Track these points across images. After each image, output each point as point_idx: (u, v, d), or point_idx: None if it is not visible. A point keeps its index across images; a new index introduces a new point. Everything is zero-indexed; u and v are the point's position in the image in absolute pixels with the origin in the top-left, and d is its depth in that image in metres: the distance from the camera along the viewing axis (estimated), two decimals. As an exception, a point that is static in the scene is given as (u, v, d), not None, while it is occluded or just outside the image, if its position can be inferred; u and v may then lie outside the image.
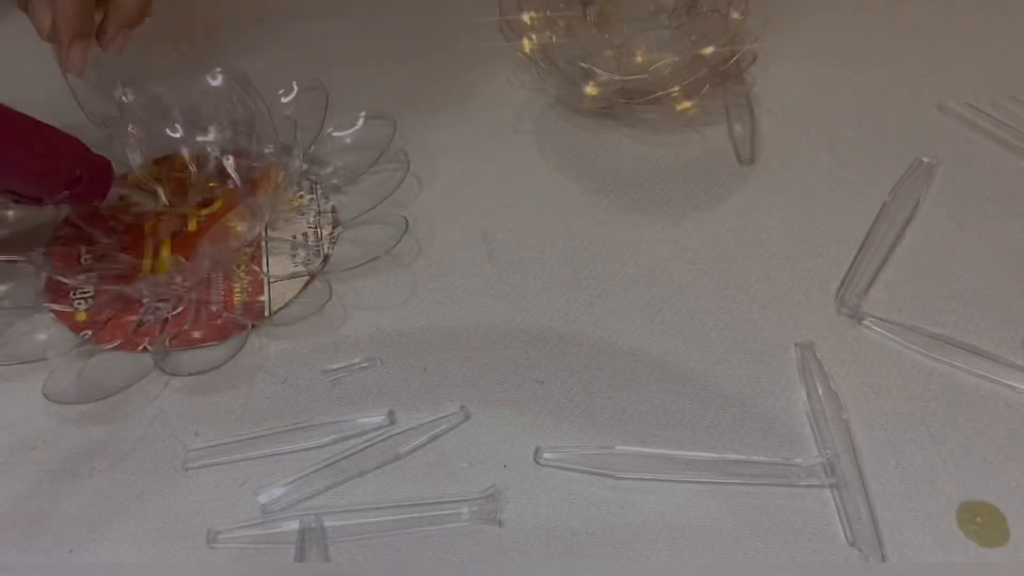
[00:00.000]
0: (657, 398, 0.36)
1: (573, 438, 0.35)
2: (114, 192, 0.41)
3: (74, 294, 0.40)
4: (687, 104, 0.46)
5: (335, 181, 0.45)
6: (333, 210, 0.44)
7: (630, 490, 0.34)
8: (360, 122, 0.46)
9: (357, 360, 0.38)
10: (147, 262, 0.42)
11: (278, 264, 0.41)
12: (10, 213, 0.42)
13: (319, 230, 0.43)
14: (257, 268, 0.41)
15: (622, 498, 0.33)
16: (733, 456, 0.34)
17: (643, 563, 0.32)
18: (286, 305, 0.40)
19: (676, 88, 0.45)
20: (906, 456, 0.34)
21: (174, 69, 0.47)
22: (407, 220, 0.42)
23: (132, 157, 0.45)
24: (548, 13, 0.47)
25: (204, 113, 0.45)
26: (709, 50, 0.44)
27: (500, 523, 0.33)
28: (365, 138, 0.46)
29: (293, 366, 0.38)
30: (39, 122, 0.36)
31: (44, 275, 0.41)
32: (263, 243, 0.42)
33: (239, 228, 0.42)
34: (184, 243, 0.42)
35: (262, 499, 0.34)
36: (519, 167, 0.46)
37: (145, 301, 0.40)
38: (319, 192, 0.44)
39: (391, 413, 0.36)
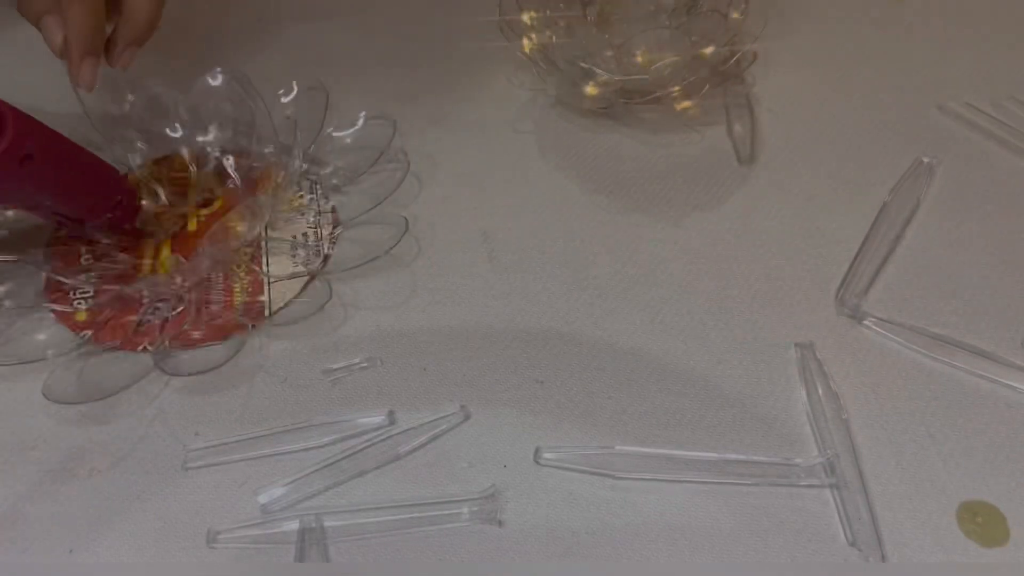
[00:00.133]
0: (657, 398, 0.36)
1: (573, 438, 0.35)
2: None
3: (74, 294, 0.40)
4: (687, 104, 0.46)
5: (335, 181, 0.45)
6: (333, 210, 0.44)
7: (630, 490, 0.34)
8: (360, 122, 0.46)
9: (357, 360, 0.38)
10: (147, 262, 0.42)
11: (278, 264, 0.41)
12: (10, 213, 0.42)
13: (319, 230, 0.43)
14: (257, 268, 0.41)
15: (622, 498, 0.33)
16: (733, 456, 0.34)
17: (643, 563, 0.32)
18: (286, 305, 0.40)
19: (676, 88, 0.45)
20: (906, 456, 0.34)
21: (174, 69, 0.47)
22: (407, 220, 0.42)
23: (132, 157, 0.45)
24: (548, 13, 0.47)
25: (204, 113, 0.45)
26: (709, 50, 0.44)
27: (500, 523, 0.33)
28: (365, 138, 0.46)
29: (293, 366, 0.38)
30: (86, 150, 0.38)
31: (44, 275, 0.41)
32: (263, 243, 0.42)
33: (239, 228, 0.42)
34: (184, 243, 0.42)
35: (262, 499, 0.34)
36: (519, 167, 0.46)
37: (145, 301, 0.40)
38: (319, 192, 0.44)
39: (391, 413, 0.36)
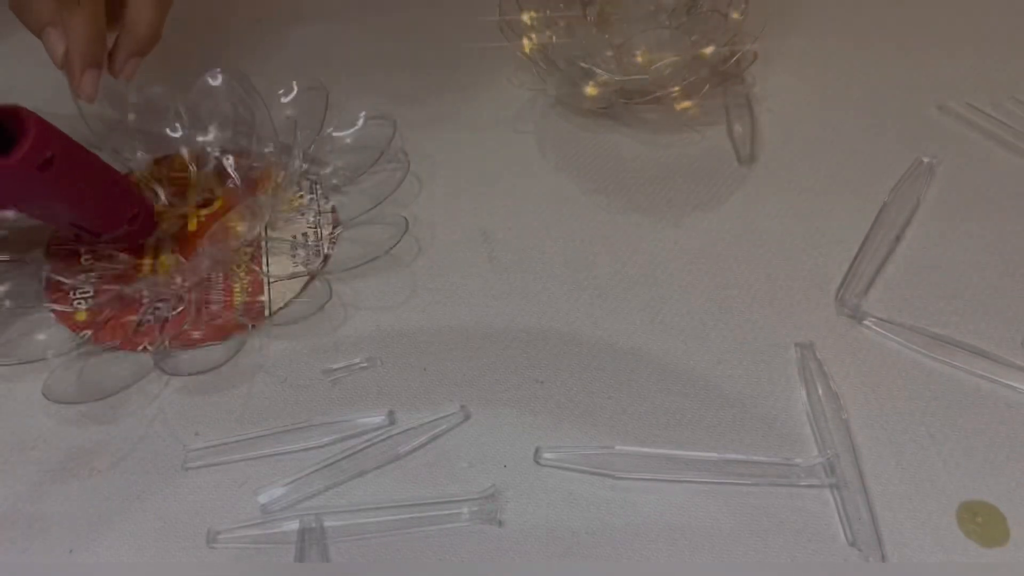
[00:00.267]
0: (657, 398, 0.36)
1: (573, 438, 0.35)
2: None
3: (74, 294, 0.40)
4: (687, 104, 0.46)
5: (335, 181, 0.45)
6: (333, 210, 0.44)
7: (630, 490, 0.34)
8: (360, 122, 0.46)
9: (357, 360, 0.38)
10: (147, 262, 0.42)
11: (278, 264, 0.41)
12: (10, 214, 0.42)
13: (319, 230, 0.43)
14: (257, 268, 0.41)
15: (622, 498, 0.33)
16: (733, 456, 0.34)
17: (643, 563, 0.32)
18: (286, 305, 0.40)
19: (676, 88, 0.45)
20: (906, 456, 0.34)
21: (174, 69, 0.47)
22: (407, 220, 0.42)
23: (132, 157, 0.45)
24: (548, 13, 0.47)
25: (204, 113, 0.45)
26: (709, 50, 0.44)
27: (500, 523, 0.33)
28: (365, 138, 0.46)
29: (293, 366, 0.38)
30: (104, 161, 0.38)
31: (44, 275, 0.41)
32: (263, 243, 0.42)
33: (239, 228, 0.42)
34: (184, 243, 0.42)
35: (262, 499, 0.34)
36: (519, 167, 0.46)
37: (145, 301, 0.40)
38: (319, 192, 0.44)
39: (391, 413, 0.36)
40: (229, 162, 0.44)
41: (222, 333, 0.39)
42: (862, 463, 0.34)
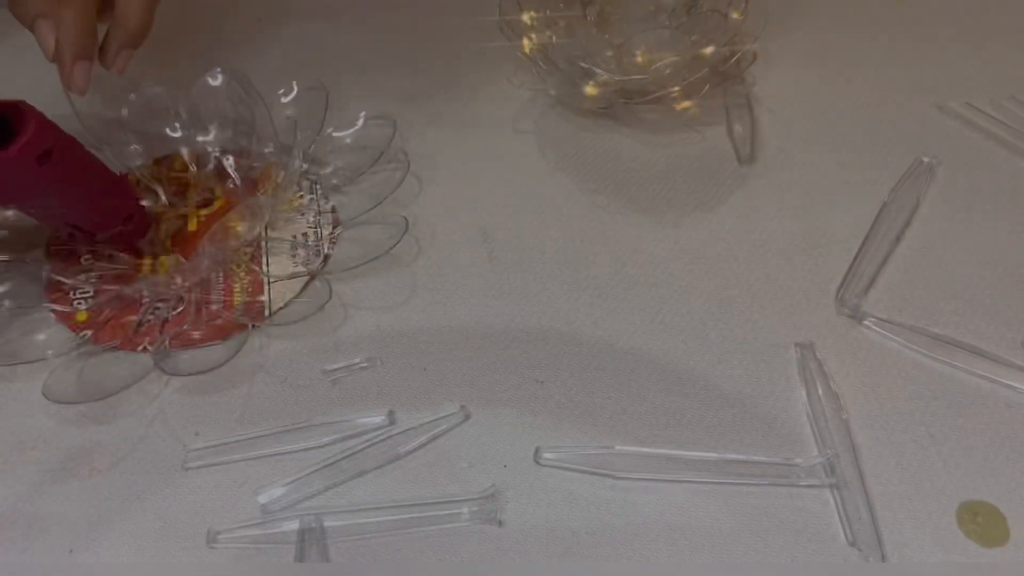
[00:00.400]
0: (657, 398, 0.36)
1: (573, 438, 0.35)
2: None
3: (74, 294, 0.40)
4: (687, 104, 0.46)
5: (335, 181, 0.45)
6: (333, 210, 0.44)
7: (630, 490, 0.34)
8: (360, 122, 0.46)
9: (357, 360, 0.38)
10: (147, 262, 0.42)
11: (278, 264, 0.41)
12: (10, 213, 0.42)
13: (319, 230, 0.43)
14: (257, 268, 0.41)
15: (622, 498, 0.33)
16: (733, 456, 0.34)
17: (643, 563, 0.32)
18: (286, 305, 0.40)
19: (676, 88, 0.45)
20: (906, 456, 0.34)
21: (174, 69, 0.47)
22: (407, 220, 0.42)
23: (131, 157, 0.45)
24: (548, 13, 0.47)
25: (204, 113, 0.45)
26: (709, 50, 0.44)
27: (500, 523, 0.33)
28: (365, 138, 0.46)
29: (293, 366, 0.38)
30: (100, 161, 0.38)
31: (44, 275, 0.41)
32: (263, 243, 0.42)
33: (239, 228, 0.42)
34: (184, 243, 0.42)
35: (262, 499, 0.34)
36: (519, 167, 0.46)
37: (145, 301, 0.40)
38: (319, 192, 0.44)
39: (391, 413, 0.36)
40: (229, 162, 0.44)
41: (222, 333, 0.39)
42: (862, 463, 0.34)
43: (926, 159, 0.45)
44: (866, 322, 0.38)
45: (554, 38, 0.46)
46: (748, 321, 0.39)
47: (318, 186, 0.45)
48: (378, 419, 0.36)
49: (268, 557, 0.33)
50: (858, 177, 0.44)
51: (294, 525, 0.33)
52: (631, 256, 0.42)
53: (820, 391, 0.36)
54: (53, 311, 0.39)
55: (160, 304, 0.40)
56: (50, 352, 0.38)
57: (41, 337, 0.39)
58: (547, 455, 0.35)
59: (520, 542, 0.33)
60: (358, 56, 0.52)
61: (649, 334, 0.38)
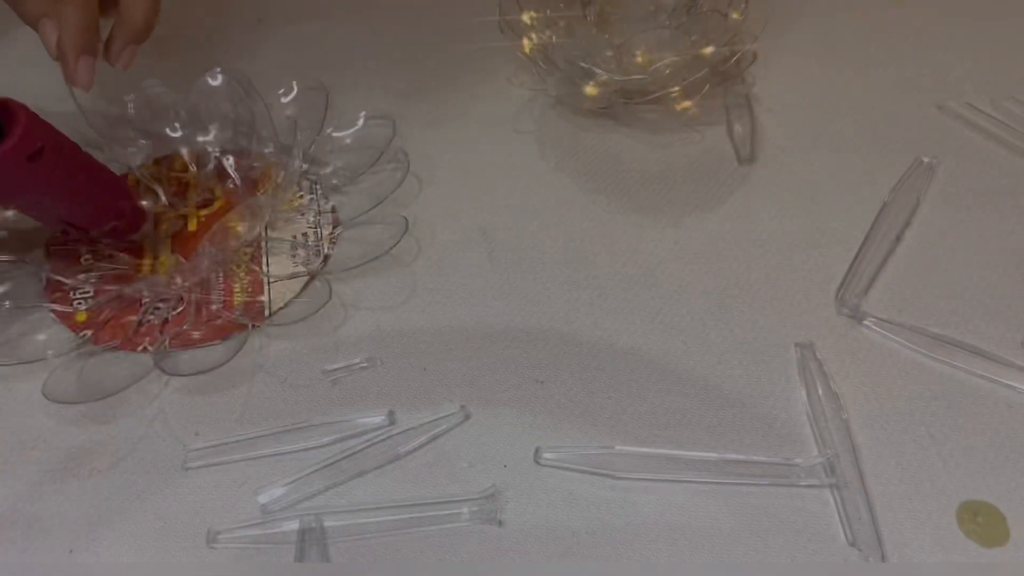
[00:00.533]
0: (657, 398, 0.36)
1: (573, 438, 0.35)
2: None
3: (74, 294, 0.40)
4: (687, 104, 0.46)
5: (335, 181, 0.45)
6: (333, 210, 0.44)
7: (630, 490, 0.34)
8: (360, 122, 0.46)
9: (357, 360, 0.38)
10: (147, 262, 0.42)
11: (278, 264, 0.41)
12: (10, 213, 0.42)
13: (319, 230, 0.43)
14: (257, 268, 0.41)
15: (622, 498, 0.33)
16: (733, 456, 0.34)
17: (643, 563, 0.32)
18: (286, 305, 0.40)
19: (676, 88, 0.45)
20: (906, 456, 0.34)
21: (174, 69, 0.47)
22: (407, 220, 0.42)
23: (132, 157, 0.45)
24: (548, 13, 0.47)
25: (204, 113, 0.45)
26: (709, 50, 0.44)
27: (500, 523, 0.33)
28: (365, 138, 0.46)
29: (293, 366, 0.38)
30: (92, 157, 0.38)
31: (44, 275, 0.41)
32: (263, 243, 0.42)
33: (239, 228, 0.42)
34: (184, 243, 0.42)
35: (262, 499, 0.34)
36: (519, 167, 0.46)
37: (145, 301, 0.40)
38: (319, 192, 0.44)
39: (391, 413, 0.36)
40: (229, 162, 0.44)
41: (222, 333, 0.39)
42: (862, 463, 0.34)
43: (926, 159, 0.45)
44: (866, 322, 0.38)
45: (554, 38, 0.46)
46: (748, 321, 0.39)
47: (318, 186, 0.45)
48: (378, 419, 0.36)
49: (268, 557, 0.33)
50: (858, 177, 0.44)
51: (294, 525, 0.33)
52: (631, 256, 0.42)
53: (820, 391, 0.36)
54: (53, 311, 0.39)
55: (160, 304, 0.40)
56: (50, 352, 0.38)
57: (41, 337, 0.39)
58: (547, 455, 0.35)
59: (520, 542, 0.33)
60: (358, 56, 0.52)
61: (649, 334, 0.38)
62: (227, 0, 0.56)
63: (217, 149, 0.45)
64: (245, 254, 0.42)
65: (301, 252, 0.42)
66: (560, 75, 0.46)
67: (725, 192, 0.44)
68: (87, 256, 0.42)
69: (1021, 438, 0.34)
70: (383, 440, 0.35)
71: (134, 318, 0.39)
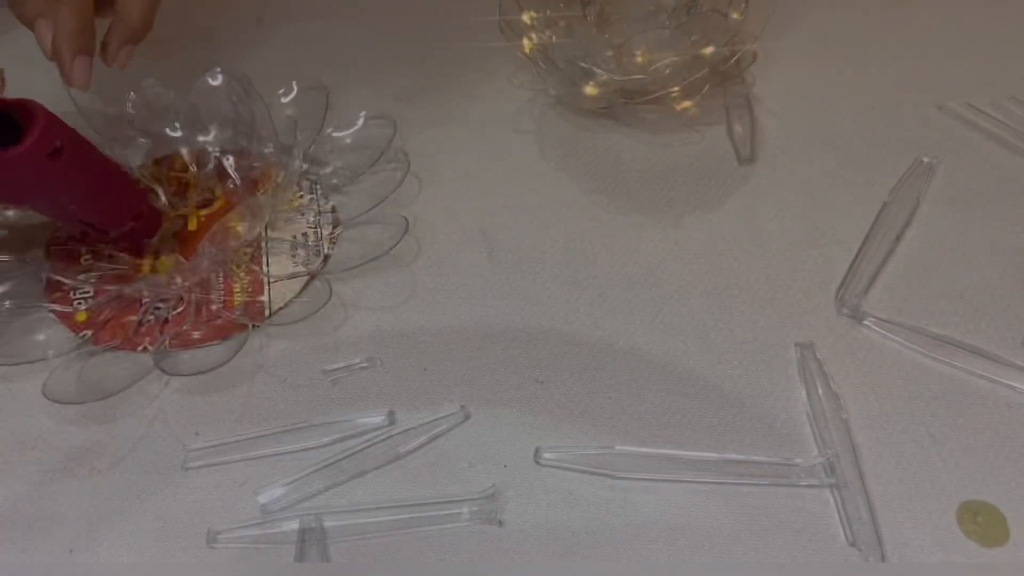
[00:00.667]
0: (657, 398, 0.36)
1: (573, 438, 0.35)
2: None
3: (74, 294, 0.40)
4: (687, 104, 0.46)
5: (335, 181, 0.45)
6: (333, 210, 0.44)
7: (630, 490, 0.34)
8: (360, 122, 0.46)
9: (357, 360, 0.38)
10: (147, 262, 0.42)
11: (278, 264, 0.41)
12: (10, 213, 0.42)
13: (319, 230, 0.43)
14: (257, 268, 0.41)
15: (622, 498, 0.33)
16: (733, 456, 0.34)
17: (643, 563, 0.32)
18: (286, 305, 0.40)
19: (676, 88, 0.45)
20: (906, 456, 0.34)
21: (174, 69, 0.47)
22: (407, 220, 0.42)
23: (132, 157, 0.45)
24: (548, 13, 0.47)
25: (204, 113, 0.45)
26: (709, 50, 0.44)
27: (500, 523, 0.33)
28: (365, 138, 0.46)
29: (293, 366, 0.38)
30: (114, 161, 0.39)
31: (44, 275, 0.41)
32: (263, 243, 0.42)
33: (239, 228, 0.42)
34: (184, 243, 0.42)
35: (262, 499, 0.34)
36: (519, 167, 0.46)
37: (145, 301, 0.40)
38: (319, 192, 0.44)
39: (391, 413, 0.36)
40: (229, 162, 0.44)
41: (222, 333, 0.39)
42: (862, 463, 0.34)
43: (926, 159, 0.45)
44: (866, 322, 0.38)
45: (554, 38, 0.46)
46: (748, 321, 0.39)
47: (318, 186, 0.45)
48: (378, 419, 0.36)
49: (268, 557, 0.33)
50: (858, 177, 0.44)
51: (294, 525, 0.33)
52: (631, 256, 0.42)
53: (820, 391, 0.36)
54: (53, 311, 0.39)
55: (160, 304, 0.40)
56: (50, 352, 0.38)
57: (41, 337, 0.39)
58: (547, 455, 0.35)
59: (520, 542, 0.33)
60: (358, 56, 0.52)
61: (649, 334, 0.38)
62: (227, 0, 0.56)
63: (217, 149, 0.45)
64: (245, 254, 0.42)
65: (301, 252, 0.42)
66: (560, 75, 0.47)
67: (725, 192, 0.44)
68: (87, 256, 0.42)
69: (1021, 438, 0.34)
70: (383, 440, 0.35)
71: (134, 318, 0.39)
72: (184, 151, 0.45)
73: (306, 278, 0.41)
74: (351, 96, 0.48)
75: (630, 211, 0.43)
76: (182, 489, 0.34)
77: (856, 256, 0.41)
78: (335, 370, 0.38)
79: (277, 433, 0.36)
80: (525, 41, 0.46)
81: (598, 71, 0.44)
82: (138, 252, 0.42)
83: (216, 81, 0.45)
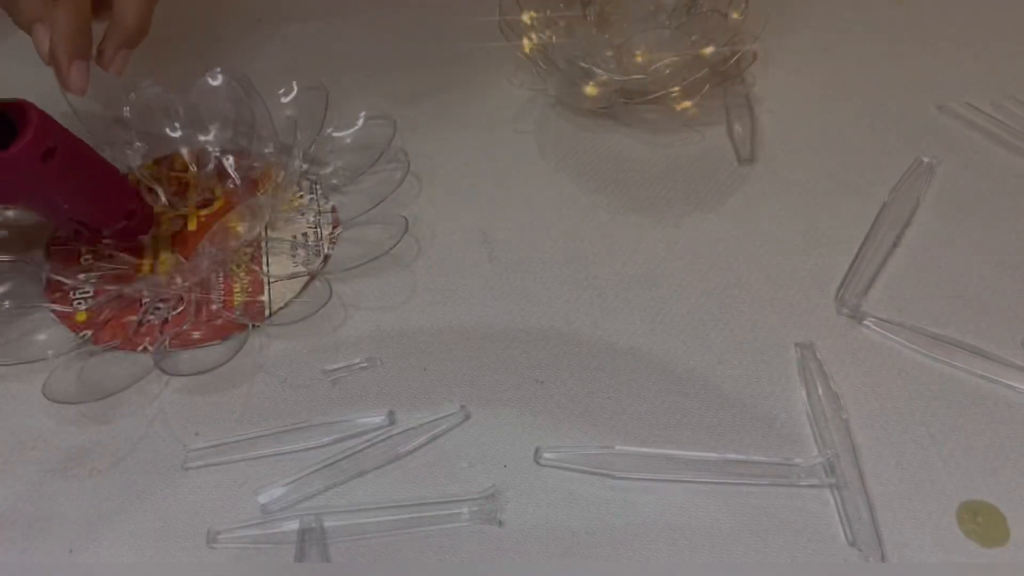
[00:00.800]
0: (657, 398, 0.36)
1: (573, 438, 0.35)
2: None
3: (74, 294, 0.40)
4: (687, 104, 0.46)
5: (335, 181, 0.45)
6: (333, 210, 0.44)
7: (630, 490, 0.34)
8: (360, 122, 0.46)
9: (357, 360, 0.38)
10: (147, 262, 0.42)
11: (278, 264, 0.41)
12: (10, 213, 0.42)
13: (319, 230, 0.43)
14: (257, 268, 0.41)
15: (622, 498, 0.33)
16: (733, 456, 0.34)
17: (643, 563, 0.32)
18: (286, 305, 0.40)
19: (676, 88, 0.45)
20: (906, 456, 0.34)
21: (174, 69, 0.47)
22: (407, 220, 0.42)
23: (131, 157, 0.45)
24: (548, 13, 0.47)
25: (204, 113, 0.45)
26: (709, 50, 0.44)
27: (500, 523, 0.33)
28: (365, 138, 0.46)
29: (293, 366, 0.38)
30: (107, 161, 0.39)
31: (44, 275, 0.41)
32: (263, 243, 0.42)
33: (239, 228, 0.42)
34: (184, 243, 0.42)
35: (262, 499, 0.34)
36: (519, 167, 0.46)
37: (145, 301, 0.40)
38: (319, 192, 0.44)
39: (391, 413, 0.36)
40: (229, 162, 0.44)
41: (222, 333, 0.39)
42: (862, 463, 0.34)
43: (926, 159, 0.45)
44: (866, 322, 0.38)
45: (554, 38, 0.46)
46: (748, 321, 0.39)
47: (318, 186, 0.45)
48: (378, 419, 0.36)
49: (268, 557, 0.33)
50: (858, 177, 0.44)
51: (294, 525, 0.33)
52: (631, 256, 0.42)
53: (820, 391, 0.36)
54: (53, 311, 0.39)
55: (160, 304, 0.40)
56: (50, 352, 0.38)
57: (41, 337, 0.39)
58: (547, 455, 0.35)
59: (520, 542, 0.33)
60: (358, 56, 0.52)
61: (649, 334, 0.38)
62: (227, 0, 0.56)
63: (217, 149, 0.45)
64: (245, 254, 0.42)
65: (301, 252, 0.42)
66: (560, 75, 0.47)
67: (725, 192, 0.44)
68: (87, 256, 0.42)
69: (1021, 438, 0.34)
70: (383, 440, 0.35)
71: (134, 318, 0.39)
72: (184, 151, 0.45)
73: (306, 278, 0.41)
74: (351, 96, 0.48)
75: (630, 211, 0.44)
76: (182, 489, 0.34)
77: (856, 256, 0.41)
78: (335, 370, 0.38)
79: (277, 433, 0.36)
80: (525, 41, 0.46)
81: (598, 71, 0.44)
82: (135, 251, 0.42)
83: (216, 81, 0.45)
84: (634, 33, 0.45)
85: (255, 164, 0.45)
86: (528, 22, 0.46)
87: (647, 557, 0.32)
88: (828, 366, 0.37)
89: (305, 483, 0.34)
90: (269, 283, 0.41)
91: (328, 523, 0.33)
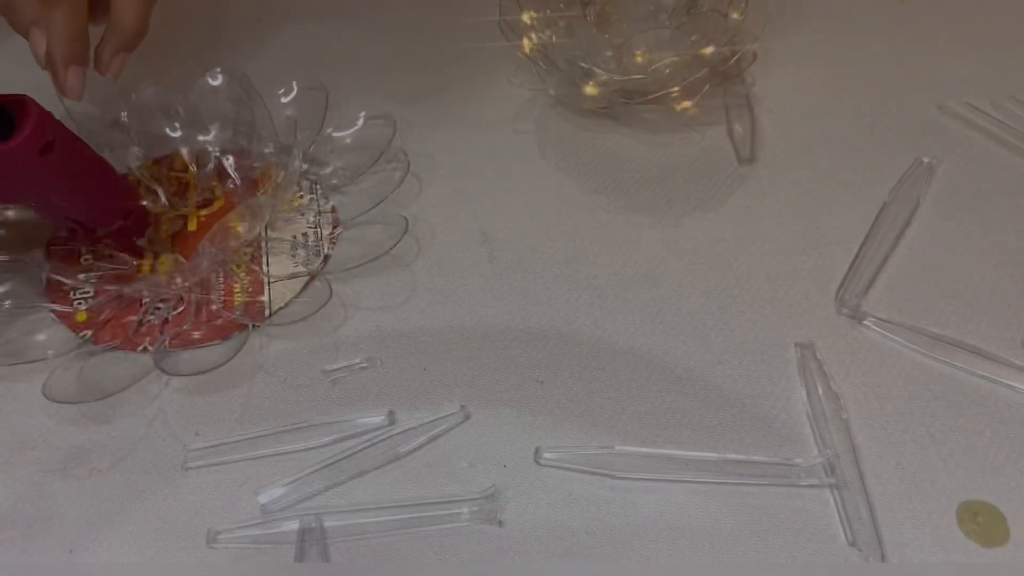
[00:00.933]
0: (657, 398, 0.36)
1: (573, 438, 0.35)
2: None
3: (74, 294, 0.40)
4: (687, 104, 0.46)
5: (335, 181, 0.45)
6: (333, 210, 0.44)
7: (630, 490, 0.34)
8: (360, 122, 0.46)
9: (357, 360, 0.38)
10: (147, 262, 0.42)
11: (278, 264, 0.41)
12: (10, 213, 0.42)
13: (319, 230, 0.43)
14: (257, 268, 0.41)
15: (622, 498, 0.33)
16: (733, 456, 0.34)
17: (643, 563, 0.32)
18: (286, 305, 0.40)
19: (676, 88, 0.45)
20: (906, 456, 0.34)
21: (174, 69, 0.47)
22: (407, 220, 0.42)
23: (131, 157, 0.45)
24: (548, 13, 0.47)
25: (204, 113, 0.45)
26: (709, 50, 0.44)
27: (500, 523, 0.33)
28: (365, 138, 0.46)
29: (293, 366, 0.38)
30: (104, 160, 0.38)
31: (44, 275, 0.41)
32: (263, 243, 0.42)
33: (239, 228, 0.42)
34: (184, 243, 0.42)
35: (262, 499, 0.34)
36: (519, 167, 0.46)
37: (145, 301, 0.40)
38: (319, 192, 0.44)
39: (391, 413, 0.36)
40: (229, 162, 0.44)
41: (222, 333, 0.39)
42: (862, 463, 0.34)
43: (926, 159, 0.45)
44: (866, 322, 0.38)
45: (554, 38, 0.46)
46: (748, 321, 0.39)
47: (318, 186, 0.45)
48: (378, 419, 0.36)
49: (268, 557, 0.33)
50: (858, 177, 0.44)
51: (294, 525, 0.33)
52: (631, 256, 0.42)
53: (820, 391, 0.36)
54: (53, 311, 0.39)
55: (160, 304, 0.40)
56: (50, 352, 0.38)
57: (41, 337, 0.39)
58: (547, 455, 0.35)
59: (520, 542, 0.33)
60: (358, 56, 0.52)
61: (649, 334, 0.38)
62: (227, 0, 0.56)
63: (217, 149, 0.45)
64: (245, 254, 0.42)
65: (301, 252, 0.42)
66: (560, 75, 0.46)
67: (725, 192, 0.44)
68: (87, 256, 0.42)
69: (1021, 438, 0.34)
70: (383, 440, 0.35)
71: (134, 318, 0.39)
72: (184, 151, 0.45)
73: (306, 278, 0.41)
74: (351, 96, 0.48)
75: (630, 211, 0.44)
76: (182, 489, 0.34)
77: (856, 256, 0.41)
78: (335, 370, 0.38)
79: (277, 433, 0.36)
80: (525, 41, 0.46)
81: (598, 71, 0.44)
82: (138, 252, 0.42)
83: (216, 81, 0.45)
84: (634, 33, 0.45)
85: (255, 164, 0.45)
86: (528, 22, 0.46)
87: (647, 557, 0.32)
88: (828, 366, 0.37)
89: (305, 483, 0.34)
90: (269, 283, 0.41)
91: (328, 523, 0.33)
